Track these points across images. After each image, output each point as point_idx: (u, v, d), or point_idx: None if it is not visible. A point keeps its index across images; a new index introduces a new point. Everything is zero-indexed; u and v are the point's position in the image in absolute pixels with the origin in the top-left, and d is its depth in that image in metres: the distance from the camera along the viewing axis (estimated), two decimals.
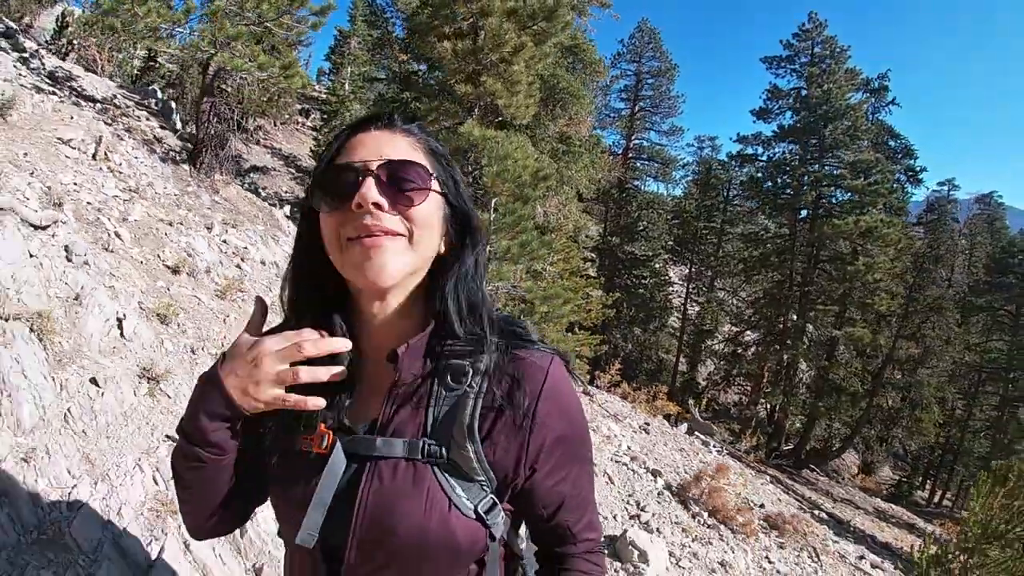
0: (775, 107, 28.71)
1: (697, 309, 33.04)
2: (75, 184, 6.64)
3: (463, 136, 11.11)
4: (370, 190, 1.00)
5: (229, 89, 11.63)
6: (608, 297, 21.36)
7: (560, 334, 13.58)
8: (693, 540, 7.26)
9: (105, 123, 9.46)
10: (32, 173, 5.97)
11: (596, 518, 1.29)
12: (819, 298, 25.27)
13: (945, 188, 37.96)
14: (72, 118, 8.78)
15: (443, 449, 1.07)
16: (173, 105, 14.16)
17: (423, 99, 14.41)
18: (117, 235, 6.05)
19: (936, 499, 28.88)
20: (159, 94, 14.63)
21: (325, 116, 23.93)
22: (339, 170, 1.05)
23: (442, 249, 1.13)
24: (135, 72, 16.94)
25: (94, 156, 8.22)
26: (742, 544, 7.82)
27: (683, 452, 12.38)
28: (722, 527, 8.11)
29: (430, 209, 1.06)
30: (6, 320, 3.39)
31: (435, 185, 1.07)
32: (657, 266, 32.88)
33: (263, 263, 8.52)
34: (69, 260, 4.77)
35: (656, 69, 35.55)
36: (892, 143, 29.56)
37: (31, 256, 4.23)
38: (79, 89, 10.47)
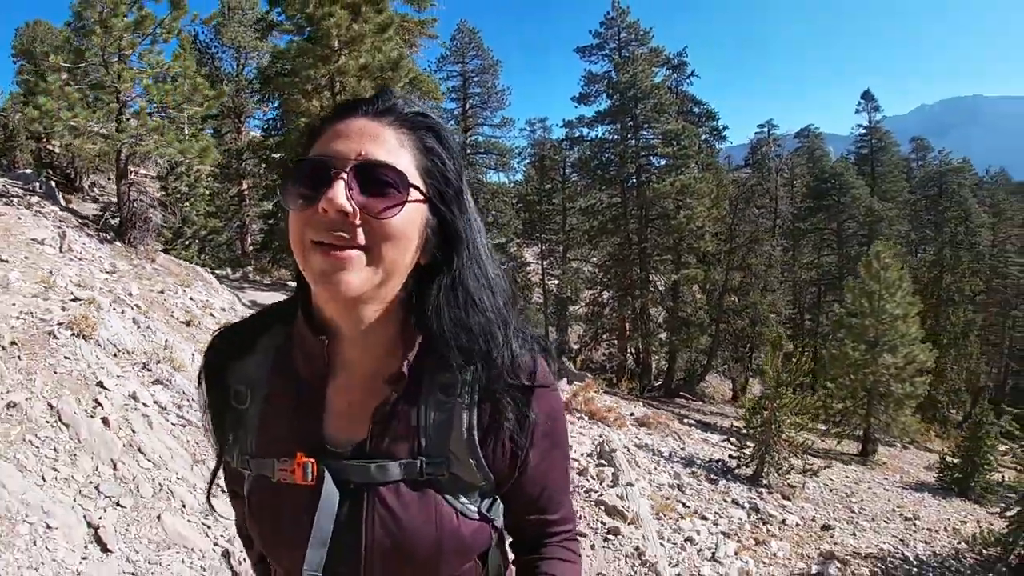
0: (592, 91, 31.83)
1: (556, 282, 35.84)
2: (77, 275, 8.64)
3: None
4: (337, 195, 0.90)
5: (142, 170, 13.74)
6: None
7: None
8: (577, 431, 10.39)
9: (55, 223, 11.51)
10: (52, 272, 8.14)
11: (571, 507, 1.29)
12: (655, 251, 28.85)
13: (765, 130, 42.08)
14: (20, 220, 10.76)
15: (444, 465, 1.05)
16: (53, 185, 15.92)
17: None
18: (138, 307, 8.37)
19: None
20: (32, 176, 16.07)
21: None
22: (310, 165, 0.96)
23: (422, 260, 1.04)
24: None
25: (60, 249, 10.38)
26: (616, 430, 11.03)
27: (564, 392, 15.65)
28: (600, 423, 11.37)
29: (402, 222, 0.95)
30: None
31: (414, 194, 0.96)
32: (512, 250, 35.24)
33: (223, 309, 10.90)
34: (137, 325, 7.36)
35: (480, 67, 37.91)
36: (696, 109, 33.84)
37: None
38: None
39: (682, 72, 33.55)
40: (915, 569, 9.28)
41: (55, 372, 5.39)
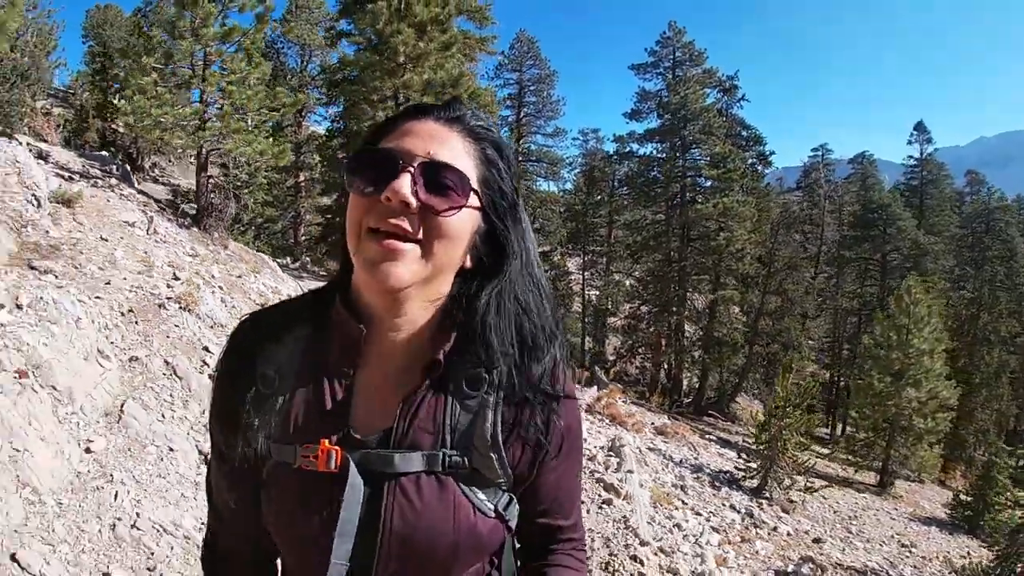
0: (644, 108, 33.09)
1: (596, 293, 36.55)
2: (167, 257, 9.87)
3: None
4: (403, 187, 0.96)
5: (223, 164, 15.17)
6: None
7: None
8: (596, 430, 11.44)
9: (139, 207, 12.90)
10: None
11: (581, 517, 1.32)
12: (694, 270, 29.73)
13: (819, 154, 42.45)
14: (109, 202, 12.08)
15: (465, 459, 1.07)
16: (128, 168, 17.31)
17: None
18: (221, 288, 9.68)
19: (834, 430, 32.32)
20: (108, 158, 17.05)
21: None
22: (379, 155, 1.02)
23: (468, 263, 1.09)
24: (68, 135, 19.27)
25: (147, 232, 11.71)
26: (633, 433, 12.07)
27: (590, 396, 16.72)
28: (619, 426, 12.43)
29: (458, 223, 1.01)
30: None
31: (473, 200, 1.02)
32: (556, 259, 36.19)
33: (290, 295, 12.13)
34: (223, 303, 8.67)
35: (537, 76, 39.08)
36: (744, 133, 34.57)
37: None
38: (82, 170, 13.61)
39: (733, 95, 34.39)
40: None
41: (167, 336, 6.75)
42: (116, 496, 4.61)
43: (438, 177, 0.99)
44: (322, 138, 21.36)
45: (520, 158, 37.39)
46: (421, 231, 0.98)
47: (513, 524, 1.17)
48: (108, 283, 7.38)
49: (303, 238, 28.10)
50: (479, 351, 1.08)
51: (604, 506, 7.85)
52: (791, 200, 41.94)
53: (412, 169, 0.98)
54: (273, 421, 1.10)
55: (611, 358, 34.15)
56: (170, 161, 26.19)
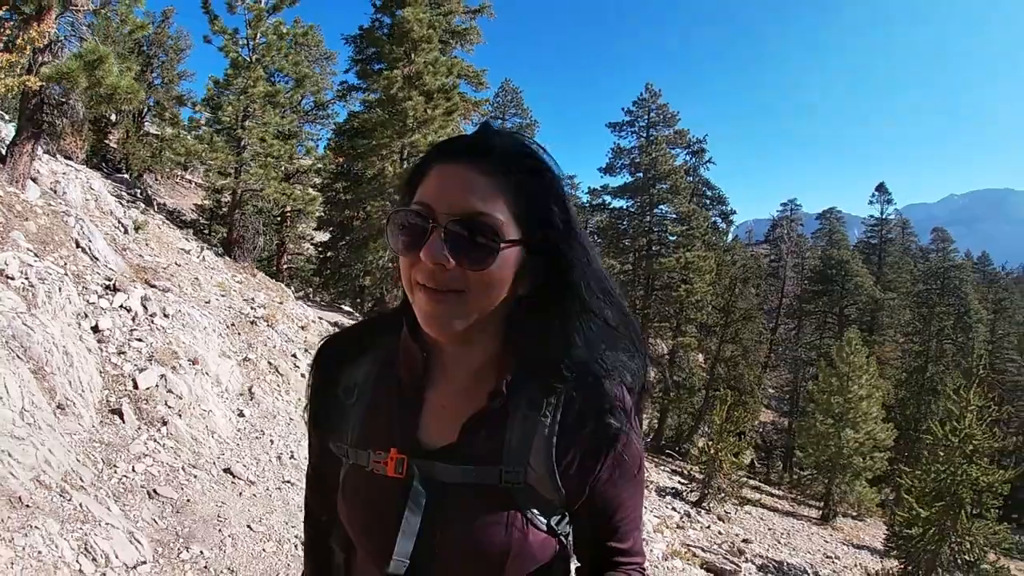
0: (618, 164, 35.83)
1: None
2: (223, 281, 12.09)
3: None
4: (434, 249, 1.00)
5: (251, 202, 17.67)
6: None
7: None
8: None
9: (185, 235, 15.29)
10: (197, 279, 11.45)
11: (641, 540, 1.32)
12: (656, 317, 32.63)
13: (787, 208, 45.86)
14: (160, 228, 14.45)
15: (521, 475, 1.10)
16: (148, 194, 19.42)
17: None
18: (264, 320, 12.24)
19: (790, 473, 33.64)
20: (130, 181, 18.88)
21: None
22: (409, 214, 1.06)
23: (522, 291, 1.10)
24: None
25: (198, 258, 13.99)
26: None
27: None
28: None
29: (496, 270, 1.03)
30: None
31: (510, 237, 1.04)
32: None
33: (313, 320, 14.50)
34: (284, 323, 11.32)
35: (519, 125, 42.27)
36: (709, 192, 37.83)
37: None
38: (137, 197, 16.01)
39: (701, 157, 37.41)
40: None
41: (264, 345, 9.39)
42: (272, 442, 7.27)
43: (469, 231, 1.01)
44: (328, 178, 23.63)
45: None
46: (462, 282, 1.02)
47: (567, 540, 1.21)
48: (208, 302, 9.96)
49: (285, 266, 30.14)
50: (544, 372, 1.12)
51: None
52: (759, 252, 45.00)
53: (441, 229, 1.01)
54: (351, 429, 1.23)
55: None
56: (156, 180, 27.10)
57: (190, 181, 30.97)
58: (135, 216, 12.36)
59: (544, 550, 1.15)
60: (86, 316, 7.08)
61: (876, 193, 47.09)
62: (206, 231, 19.82)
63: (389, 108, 19.37)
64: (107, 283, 8.02)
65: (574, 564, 1.30)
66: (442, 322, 1.05)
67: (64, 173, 11.37)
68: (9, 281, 6.39)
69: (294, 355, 9.65)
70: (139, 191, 17.34)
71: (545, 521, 1.14)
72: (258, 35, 16.77)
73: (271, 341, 9.72)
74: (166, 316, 8.24)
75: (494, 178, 1.05)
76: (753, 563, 11.92)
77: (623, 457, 1.17)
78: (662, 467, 22.37)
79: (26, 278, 6.56)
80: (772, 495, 22.31)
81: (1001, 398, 38.28)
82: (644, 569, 1.32)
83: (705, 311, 32.15)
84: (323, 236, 26.61)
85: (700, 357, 33.74)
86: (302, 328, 12.19)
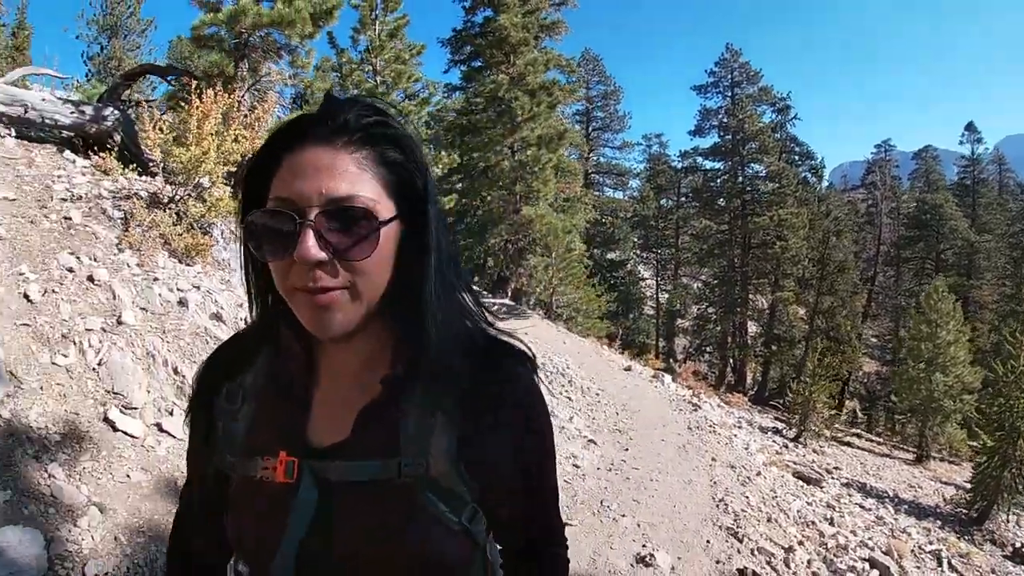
0: (706, 125, 38.25)
1: (667, 296, 41.11)
2: None
3: (525, 215, 21.30)
4: (309, 248, 0.93)
5: None
6: (607, 296, 28.75)
7: (593, 322, 24.12)
8: (676, 392, 17.05)
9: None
10: None
11: (559, 513, 1.35)
12: (754, 275, 35.06)
13: (881, 150, 46.47)
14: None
15: (422, 467, 1.06)
16: None
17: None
18: None
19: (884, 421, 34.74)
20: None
21: None
22: (271, 216, 0.98)
23: (398, 267, 1.05)
24: None
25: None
26: (705, 399, 17.63)
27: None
28: (698, 393, 18.12)
29: (377, 255, 0.99)
30: None
31: (385, 216, 0.98)
32: (629, 267, 41.13)
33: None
34: None
35: (603, 92, 44.16)
36: (797, 149, 39.15)
37: None
38: None
39: (786, 114, 38.45)
40: (890, 500, 14.06)
41: None
42: None
43: (343, 219, 0.96)
44: (445, 171, 26.72)
45: (590, 171, 42.13)
46: (344, 276, 0.97)
47: (481, 540, 1.17)
48: None
49: None
50: (426, 357, 1.07)
51: (694, 411, 13.56)
52: (856, 198, 45.87)
53: (311, 224, 0.94)
54: (237, 440, 1.16)
55: (680, 356, 38.63)
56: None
57: None
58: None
59: (459, 553, 1.11)
60: None
61: (966, 132, 46.81)
62: None
63: (496, 108, 22.55)
64: None
65: (495, 549, 1.28)
66: (331, 324, 0.99)
67: None
68: None
69: None
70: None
71: (456, 520, 1.09)
72: (378, 61, 20.22)
73: None
74: None
75: (355, 154, 0.99)
76: (839, 480, 14.08)
77: (530, 431, 1.17)
78: (765, 414, 24.88)
79: None
80: (871, 440, 23.79)
81: None
82: (567, 545, 1.36)
83: (801, 265, 34.08)
84: None
85: (801, 311, 35.51)
86: None
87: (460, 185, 25.42)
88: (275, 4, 11.22)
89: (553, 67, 24.69)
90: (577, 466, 8.32)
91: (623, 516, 6.96)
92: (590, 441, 9.44)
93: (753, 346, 35.65)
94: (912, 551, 9.87)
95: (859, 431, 27.29)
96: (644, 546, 6.25)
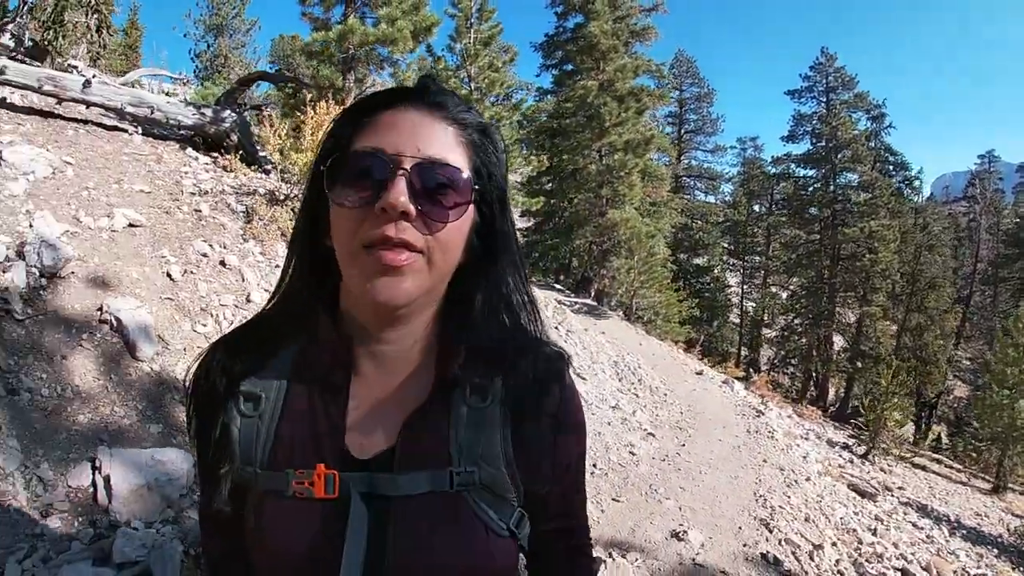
0: (800, 131, 38.04)
1: (752, 305, 41.25)
2: None
3: (610, 218, 22.23)
4: (401, 194, 0.92)
5: None
6: (689, 302, 29.42)
7: (672, 326, 24.84)
8: (744, 399, 17.54)
9: None
10: None
11: (586, 516, 1.36)
12: (842, 287, 34.74)
13: (984, 161, 45.05)
14: None
15: (475, 475, 1.06)
16: None
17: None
18: None
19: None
20: None
21: None
22: (364, 157, 0.96)
23: (463, 260, 1.07)
24: None
25: None
26: (774, 407, 18.08)
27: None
28: (766, 400, 18.63)
29: (461, 227, 1.01)
30: None
31: (473, 196, 1.01)
32: (716, 273, 41.10)
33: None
34: None
35: (696, 95, 44.27)
36: (891, 159, 38.76)
37: None
38: None
39: (881, 122, 38.15)
40: (947, 523, 13.43)
41: None
42: None
43: (436, 178, 0.96)
44: (533, 173, 27.46)
45: (681, 173, 42.45)
46: (423, 240, 0.96)
47: (525, 543, 1.16)
48: None
49: None
50: (482, 355, 1.09)
51: (757, 418, 14.18)
52: (958, 211, 44.58)
53: (406, 173, 0.94)
54: (259, 447, 1.08)
55: (764, 367, 37.97)
56: None
57: None
58: None
59: (508, 557, 1.10)
60: None
61: None
62: None
63: (585, 112, 23.52)
64: None
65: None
66: (398, 289, 0.96)
67: None
68: None
69: None
70: None
71: (505, 525, 1.09)
72: (473, 68, 21.47)
73: None
74: None
75: (452, 129, 1.02)
76: (898, 498, 13.78)
77: (573, 433, 1.21)
78: (841, 430, 24.49)
79: None
80: (951, 467, 23.10)
81: None
82: (591, 545, 1.38)
83: (891, 280, 33.77)
84: (524, 222, 30.97)
85: (892, 327, 35.01)
86: None
87: (549, 186, 26.45)
88: (379, 23, 12.45)
89: (643, 72, 25.43)
90: (633, 454, 9.22)
91: (667, 499, 7.87)
92: (649, 434, 10.32)
93: (838, 361, 35.31)
94: (955, 572, 9.85)
95: (940, 456, 26.63)
96: (680, 525, 7.15)
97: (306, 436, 1.08)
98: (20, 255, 4.98)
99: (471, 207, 1.02)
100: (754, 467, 10.22)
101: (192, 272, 6.37)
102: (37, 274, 4.96)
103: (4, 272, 4.75)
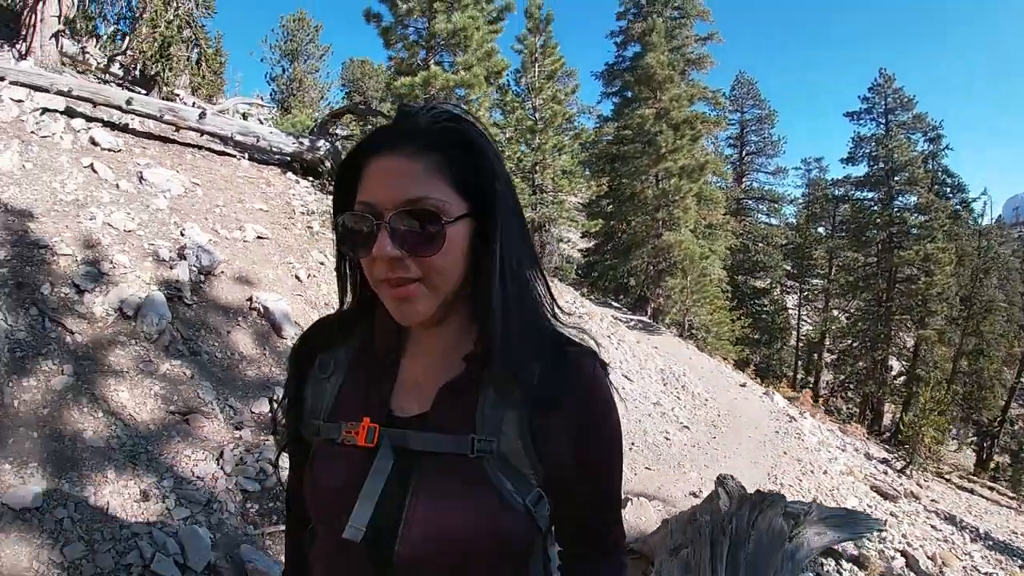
0: (859, 153, 38.59)
1: (809, 327, 41.80)
2: None
3: (665, 240, 24.13)
4: (385, 246, 1.10)
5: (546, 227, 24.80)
6: (743, 322, 31.18)
7: (723, 343, 26.47)
8: (784, 408, 18.89)
9: None
10: None
11: (620, 521, 1.46)
12: (898, 310, 35.40)
13: None
14: None
15: (494, 444, 1.18)
16: None
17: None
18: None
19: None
20: None
21: None
22: (355, 218, 1.15)
23: (482, 258, 1.20)
24: None
25: None
26: (811, 418, 19.30)
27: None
28: (804, 412, 19.90)
29: (449, 251, 1.14)
30: None
31: (456, 213, 1.14)
32: (775, 295, 41.77)
33: (599, 314, 20.89)
34: None
35: (757, 116, 45.39)
36: (948, 181, 39.25)
37: None
38: None
39: (938, 144, 38.70)
40: (970, 531, 13.95)
41: None
42: None
43: (413, 221, 1.11)
44: (593, 196, 29.56)
45: (742, 195, 43.59)
46: (419, 270, 1.13)
47: (543, 526, 1.26)
48: None
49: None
50: (496, 345, 1.19)
51: (789, 425, 15.55)
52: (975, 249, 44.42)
53: (386, 225, 1.10)
54: (325, 404, 1.34)
55: (823, 392, 38.79)
56: None
57: None
58: None
59: (520, 533, 1.21)
60: None
61: None
62: None
63: (642, 139, 25.66)
64: None
65: (555, 550, 1.41)
66: (410, 311, 1.16)
67: None
68: None
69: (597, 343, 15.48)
70: None
71: (521, 500, 1.19)
72: (537, 100, 23.71)
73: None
74: None
75: (426, 159, 1.14)
76: (923, 506, 14.42)
77: (602, 425, 1.28)
78: (892, 452, 25.09)
79: None
80: (1004, 494, 23.50)
81: None
82: (626, 551, 1.47)
83: (948, 303, 34.14)
84: (585, 243, 33.04)
85: (941, 350, 34.92)
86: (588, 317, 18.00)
87: (609, 208, 28.40)
88: (458, 70, 14.62)
89: (698, 99, 27.36)
90: (668, 439, 11.11)
91: (691, 471, 9.76)
92: (684, 427, 12.17)
93: (892, 385, 35.91)
94: (964, 568, 10.56)
95: (996, 485, 26.91)
96: (698, 488, 9.01)
97: (361, 398, 1.31)
98: (182, 256, 7.10)
99: (460, 224, 1.16)
100: (774, 456, 11.90)
101: (314, 275, 8.60)
102: (196, 271, 7.05)
103: (172, 268, 6.84)
